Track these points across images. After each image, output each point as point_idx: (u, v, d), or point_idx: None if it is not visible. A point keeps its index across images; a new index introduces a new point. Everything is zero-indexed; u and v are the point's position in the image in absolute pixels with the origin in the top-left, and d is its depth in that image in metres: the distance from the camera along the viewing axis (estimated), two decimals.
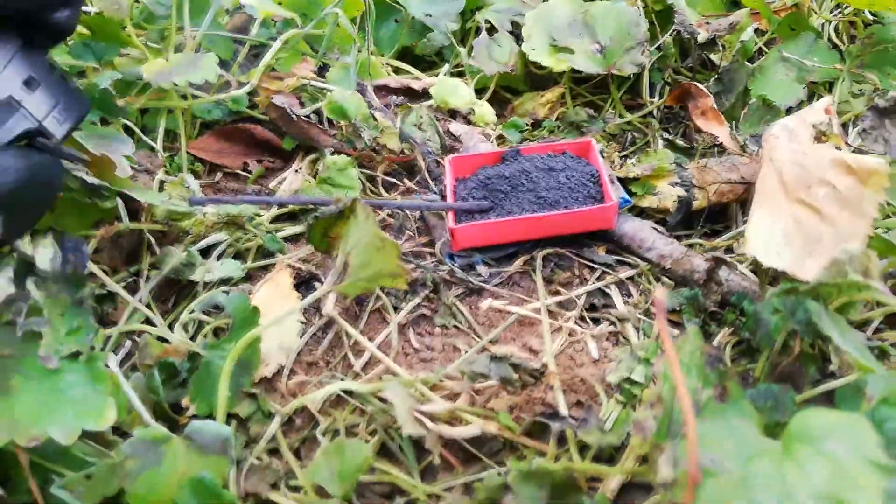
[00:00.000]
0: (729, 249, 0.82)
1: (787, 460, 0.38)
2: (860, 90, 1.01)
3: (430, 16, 1.12)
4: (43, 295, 0.50)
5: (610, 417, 0.62)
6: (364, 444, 0.57)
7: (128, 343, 0.69)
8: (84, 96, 0.59)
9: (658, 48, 1.05)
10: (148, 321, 0.71)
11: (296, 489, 0.58)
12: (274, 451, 0.61)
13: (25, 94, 0.54)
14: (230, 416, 0.62)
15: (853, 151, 0.72)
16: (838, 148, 0.70)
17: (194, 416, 0.61)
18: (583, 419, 0.57)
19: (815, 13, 1.09)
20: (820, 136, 0.72)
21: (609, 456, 0.59)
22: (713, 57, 1.11)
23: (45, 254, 0.50)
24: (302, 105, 1.00)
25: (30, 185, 0.52)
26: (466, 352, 0.69)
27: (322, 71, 1.05)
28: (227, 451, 0.55)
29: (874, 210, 0.63)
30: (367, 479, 0.59)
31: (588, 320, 0.73)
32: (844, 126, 0.95)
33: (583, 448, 0.58)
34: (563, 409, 0.62)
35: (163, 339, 0.68)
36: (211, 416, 0.60)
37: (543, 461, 0.50)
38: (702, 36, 1.03)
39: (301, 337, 0.70)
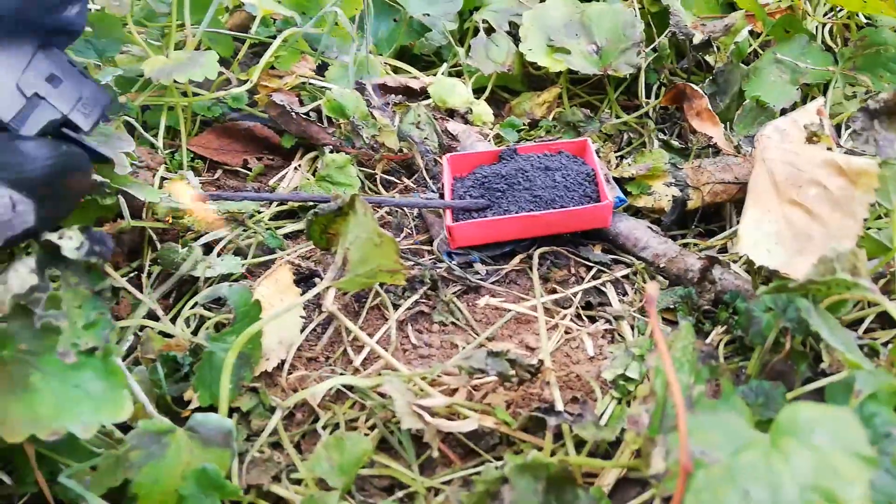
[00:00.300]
0: (723, 249, 0.84)
1: (774, 452, 0.39)
2: (853, 92, 1.03)
3: (429, 15, 1.13)
4: (63, 285, 0.51)
5: (605, 413, 0.63)
6: (364, 437, 0.59)
7: (130, 337, 0.70)
8: (105, 89, 0.61)
9: (654, 49, 1.06)
10: (151, 315, 0.72)
11: (297, 482, 0.59)
12: (275, 445, 0.62)
13: (50, 89, 0.56)
14: (232, 410, 0.63)
15: (845, 153, 0.73)
16: (829, 149, 0.71)
17: (196, 410, 0.62)
18: (578, 414, 0.58)
19: (810, 16, 1.10)
20: (812, 138, 0.73)
21: (605, 451, 0.60)
22: (708, 58, 1.12)
23: (71, 242, 0.51)
24: (301, 103, 1.01)
25: (59, 174, 0.54)
26: (464, 348, 0.70)
27: (321, 69, 1.06)
28: (229, 444, 0.56)
29: (865, 211, 0.64)
30: (367, 472, 0.60)
31: (584, 318, 0.74)
32: (838, 128, 0.96)
33: (579, 444, 0.60)
34: (560, 405, 0.63)
35: (165, 334, 0.69)
36: (213, 408, 0.61)
37: (540, 455, 0.51)
38: (697, 37, 1.04)
39: (301, 332, 0.71)
